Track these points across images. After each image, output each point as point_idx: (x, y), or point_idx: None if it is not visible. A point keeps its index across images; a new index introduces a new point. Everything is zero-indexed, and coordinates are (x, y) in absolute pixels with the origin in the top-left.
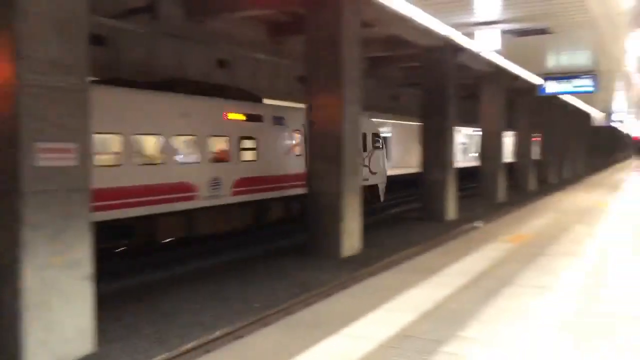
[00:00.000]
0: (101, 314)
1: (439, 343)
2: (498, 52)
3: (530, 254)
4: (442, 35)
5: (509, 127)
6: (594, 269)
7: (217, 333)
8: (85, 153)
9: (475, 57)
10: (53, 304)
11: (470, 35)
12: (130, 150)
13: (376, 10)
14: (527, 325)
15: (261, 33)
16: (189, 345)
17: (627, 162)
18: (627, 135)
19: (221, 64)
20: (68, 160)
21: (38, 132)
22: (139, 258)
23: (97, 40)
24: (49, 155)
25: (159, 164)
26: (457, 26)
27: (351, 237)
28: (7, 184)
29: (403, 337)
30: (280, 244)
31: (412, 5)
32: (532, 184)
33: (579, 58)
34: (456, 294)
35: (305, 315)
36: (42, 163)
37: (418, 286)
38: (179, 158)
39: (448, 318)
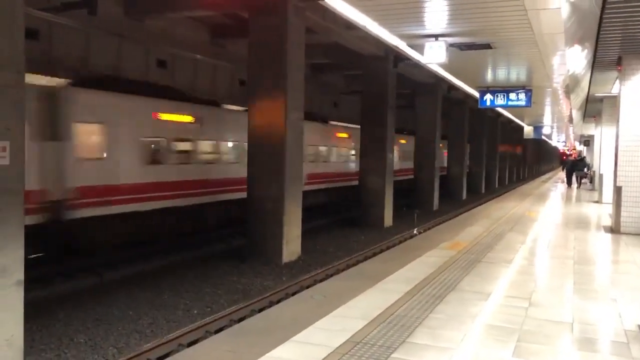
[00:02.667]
0: (29, 322)
1: (389, 349)
2: (442, 64)
3: (469, 260)
4: (386, 45)
5: (444, 137)
6: (528, 275)
7: (156, 342)
8: (19, 152)
9: (415, 67)
10: None
11: (415, 46)
12: None
13: (322, 16)
14: (472, 331)
15: (203, 34)
16: (127, 356)
17: (554, 172)
18: (555, 148)
19: (160, 64)
20: None
21: None
22: (68, 263)
23: (29, 33)
24: None
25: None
26: (403, 37)
27: (292, 243)
28: None
29: (354, 343)
30: (217, 248)
31: (360, 14)
32: (464, 193)
33: (515, 73)
34: (402, 300)
35: (253, 322)
36: None
37: (364, 292)
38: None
39: (396, 324)
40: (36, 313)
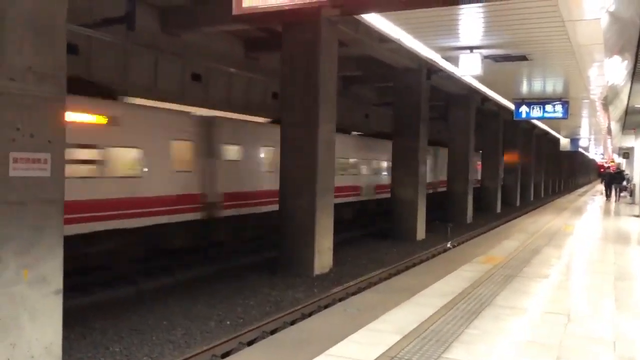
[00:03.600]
0: (67, 330)
1: None
2: (476, 76)
3: (505, 275)
4: (419, 57)
5: (478, 149)
6: (566, 291)
7: (191, 352)
8: (59, 164)
9: (449, 79)
10: (20, 320)
11: (449, 58)
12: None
13: (355, 29)
14: (509, 347)
15: (237, 48)
16: None
17: (591, 185)
18: (592, 160)
19: (195, 77)
20: (41, 171)
21: (9, 141)
22: (106, 272)
23: (69, 48)
24: (21, 166)
25: None
26: (437, 49)
27: (323, 254)
28: None
29: (389, 358)
30: (249, 260)
31: (394, 27)
32: (499, 205)
33: (551, 85)
34: (437, 314)
35: (287, 334)
36: (13, 173)
37: (399, 306)
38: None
39: (431, 339)
40: (73, 321)
